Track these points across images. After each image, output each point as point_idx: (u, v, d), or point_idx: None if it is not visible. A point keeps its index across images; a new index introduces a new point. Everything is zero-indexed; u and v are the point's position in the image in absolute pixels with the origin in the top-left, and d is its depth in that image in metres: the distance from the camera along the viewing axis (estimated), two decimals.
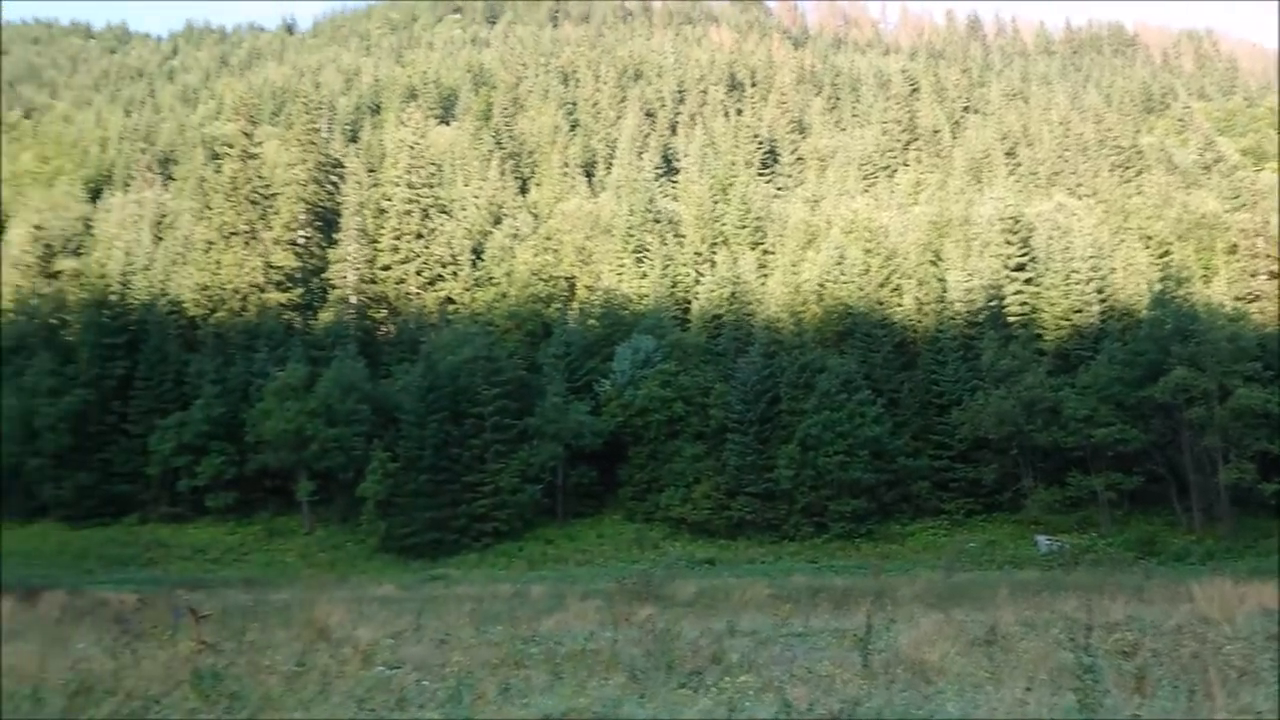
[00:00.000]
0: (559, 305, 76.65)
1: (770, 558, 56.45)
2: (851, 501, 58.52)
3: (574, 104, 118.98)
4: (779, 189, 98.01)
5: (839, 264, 71.50)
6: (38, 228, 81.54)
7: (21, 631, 16.74)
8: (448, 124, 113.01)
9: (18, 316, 72.77)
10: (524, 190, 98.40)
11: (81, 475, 64.69)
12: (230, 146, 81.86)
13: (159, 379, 66.95)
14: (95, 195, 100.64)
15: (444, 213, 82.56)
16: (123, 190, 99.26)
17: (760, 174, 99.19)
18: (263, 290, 73.20)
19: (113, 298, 71.92)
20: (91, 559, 58.39)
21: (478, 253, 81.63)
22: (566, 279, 79.35)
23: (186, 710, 9.03)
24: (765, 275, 77.45)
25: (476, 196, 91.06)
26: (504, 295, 77.32)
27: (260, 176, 78.56)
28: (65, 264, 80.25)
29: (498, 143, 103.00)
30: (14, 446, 64.62)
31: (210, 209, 79.25)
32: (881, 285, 71.25)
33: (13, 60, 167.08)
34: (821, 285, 71.44)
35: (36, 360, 67.29)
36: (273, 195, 78.54)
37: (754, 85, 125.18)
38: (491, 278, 79.30)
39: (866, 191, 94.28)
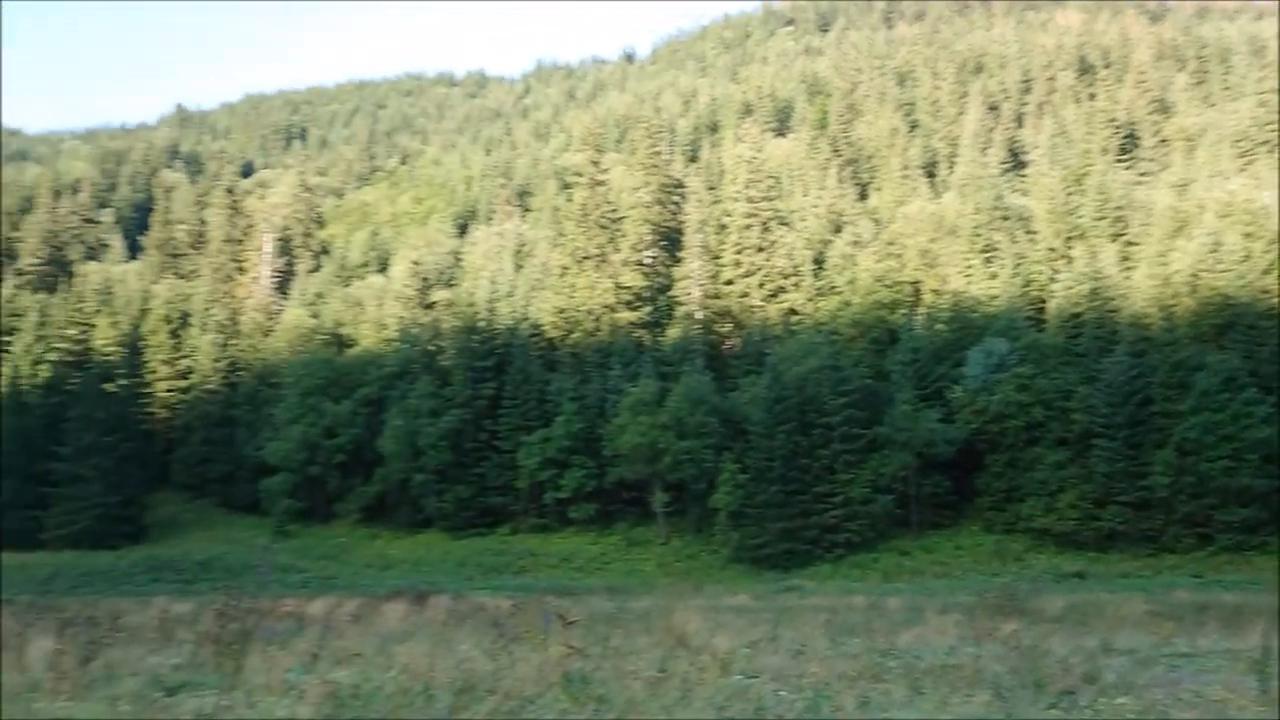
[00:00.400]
0: (904, 311, 74.92)
1: (1147, 571, 52.50)
2: (1240, 510, 53.43)
3: (912, 104, 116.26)
4: (1141, 175, 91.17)
5: (1214, 251, 65.53)
6: (415, 263, 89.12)
7: (413, 632, 18.18)
8: (784, 136, 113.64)
9: (401, 345, 79.80)
10: (863, 196, 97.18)
11: (460, 489, 69.94)
12: (579, 175, 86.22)
13: (524, 398, 71.23)
14: (463, 230, 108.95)
15: (784, 224, 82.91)
16: (486, 223, 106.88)
17: (1119, 160, 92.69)
18: (614, 310, 76.36)
19: (481, 324, 77.34)
20: (471, 566, 62.89)
21: (819, 262, 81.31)
22: (911, 284, 77.46)
23: (558, 711, 9.41)
24: (1129, 268, 72.23)
25: (816, 206, 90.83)
26: (847, 304, 76.55)
27: (608, 202, 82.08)
28: (440, 295, 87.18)
29: (835, 150, 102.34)
30: (402, 463, 70.87)
31: (563, 236, 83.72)
32: (1266, 272, 64.59)
33: (389, 113, 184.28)
34: (1195, 275, 65.74)
35: (419, 384, 73.48)
36: (620, 219, 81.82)
37: (1108, 66, 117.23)
38: (834, 286, 78.73)
39: (1243, 170, 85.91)
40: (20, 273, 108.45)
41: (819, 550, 59.37)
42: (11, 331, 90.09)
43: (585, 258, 78.42)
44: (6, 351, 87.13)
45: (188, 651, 13.98)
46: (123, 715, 8.97)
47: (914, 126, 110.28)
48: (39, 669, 11.25)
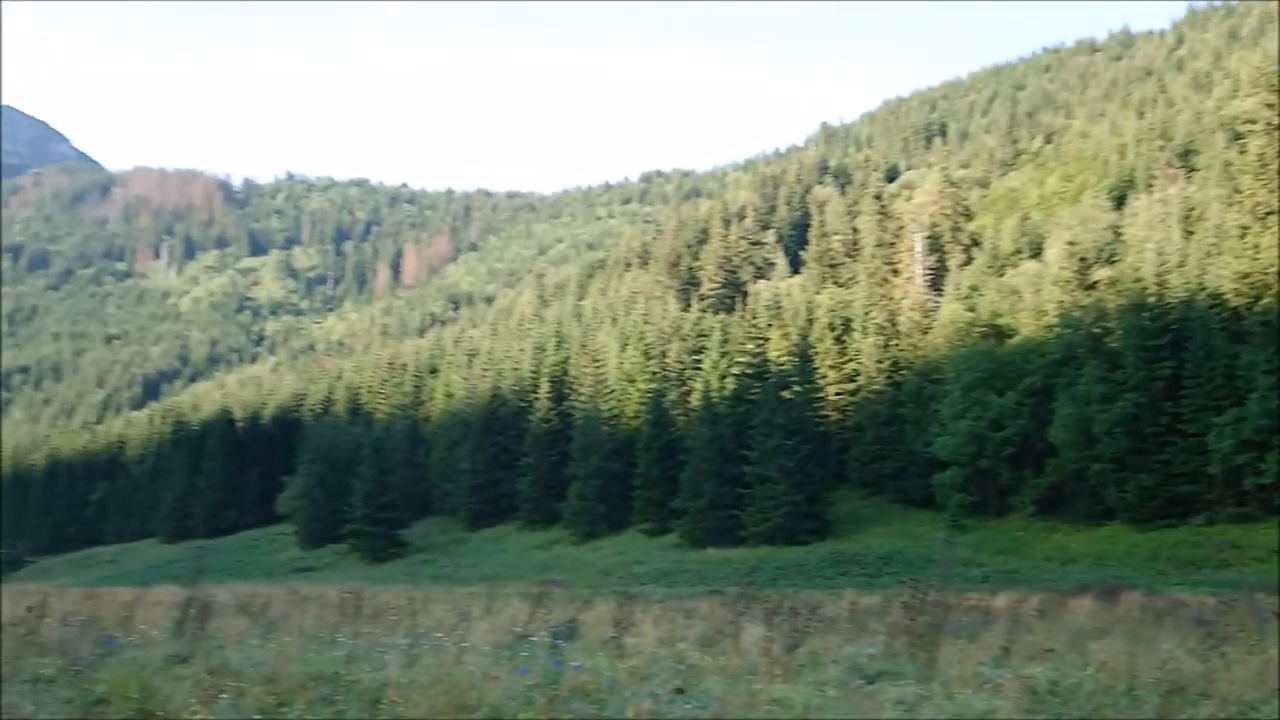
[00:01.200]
0: None
1: None
2: None
3: None
4: None
5: None
6: (1071, 243, 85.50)
7: (1106, 629, 17.37)
8: None
9: (1063, 330, 76.87)
10: None
11: (1142, 478, 65.66)
12: (1253, 123, 77.23)
13: (1208, 375, 65.17)
14: (1119, 202, 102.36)
15: None
16: (1145, 191, 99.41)
17: None
18: None
19: (1150, 299, 72.09)
20: (1162, 560, 58.81)
21: None
22: None
23: None
24: None
25: None
26: None
27: None
28: (1100, 273, 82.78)
29: None
30: (1075, 453, 68.14)
31: (1239, 192, 75.40)
32: None
33: (1028, 93, 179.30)
34: None
35: (1086, 369, 70.27)
36: None
37: None
38: None
39: None
40: (703, 298, 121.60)
41: None
42: (700, 351, 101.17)
43: (1269, 213, 69.93)
44: (698, 369, 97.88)
45: (880, 642, 14.57)
46: (832, 700, 9.52)
47: None
48: (752, 654, 12.36)
